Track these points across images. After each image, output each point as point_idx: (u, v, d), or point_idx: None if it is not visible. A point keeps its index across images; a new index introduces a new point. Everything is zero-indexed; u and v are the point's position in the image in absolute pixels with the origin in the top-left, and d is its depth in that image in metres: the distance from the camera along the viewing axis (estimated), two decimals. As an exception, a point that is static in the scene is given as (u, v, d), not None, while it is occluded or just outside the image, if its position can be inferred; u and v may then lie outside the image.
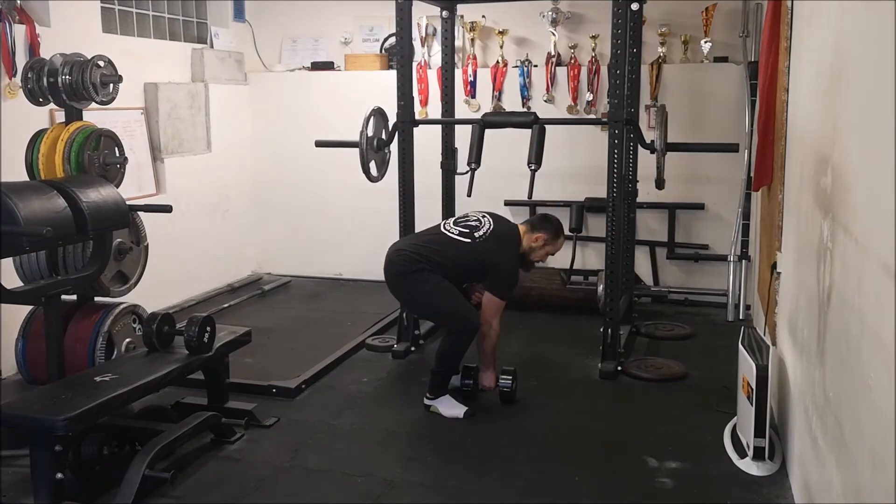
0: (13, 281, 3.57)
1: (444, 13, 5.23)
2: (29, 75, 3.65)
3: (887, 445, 1.61)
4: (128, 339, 3.80)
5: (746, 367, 3.26)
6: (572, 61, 5.91)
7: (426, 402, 3.85)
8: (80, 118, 3.75)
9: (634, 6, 4.58)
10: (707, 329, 5.20)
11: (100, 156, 3.69)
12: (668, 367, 4.38)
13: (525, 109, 5.91)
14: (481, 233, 3.91)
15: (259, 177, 6.71)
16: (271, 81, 6.61)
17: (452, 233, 3.94)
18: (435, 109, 5.77)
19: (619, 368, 4.33)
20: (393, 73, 4.86)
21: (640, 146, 4.66)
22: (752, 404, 3.15)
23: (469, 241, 3.88)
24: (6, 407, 2.91)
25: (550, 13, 5.85)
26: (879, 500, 1.66)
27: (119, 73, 3.79)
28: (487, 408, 3.94)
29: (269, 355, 4.71)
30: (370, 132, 4.60)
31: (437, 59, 5.84)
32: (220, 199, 6.28)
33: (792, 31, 3.52)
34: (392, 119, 4.76)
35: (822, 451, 2.39)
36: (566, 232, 5.77)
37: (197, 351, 3.48)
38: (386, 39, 6.40)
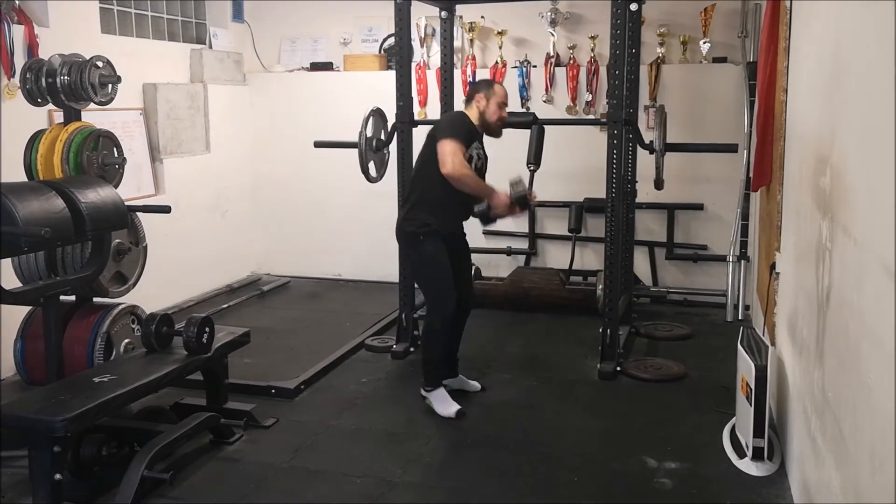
0: (12, 281, 3.56)
1: (443, 13, 5.22)
2: (27, 76, 3.64)
3: (886, 445, 1.61)
4: (126, 340, 3.80)
5: (745, 367, 3.27)
6: (571, 62, 5.92)
7: (423, 393, 3.89)
8: (79, 119, 3.75)
9: (633, 6, 4.58)
10: (706, 329, 5.20)
11: (98, 156, 3.69)
12: (668, 368, 4.38)
13: (524, 110, 5.90)
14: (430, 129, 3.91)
15: (258, 177, 6.70)
16: (270, 82, 6.61)
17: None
18: (434, 110, 5.77)
19: (619, 369, 4.33)
20: (392, 74, 4.86)
21: (639, 146, 4.67)
22: (751, 405, 3.15)
23: (425, 141, 3.86)
24: (5, 408, 2.90)
25: (549, 13, 5.86)
26: (879, 501, 1.66)
27: (118, 74, 3.78)
28: (486, 408, 3.94)
29: (268, 356, 4.71)
30: (369, 133, 4.60)
31: (436, 59, 5.84)
32: (219, 199, 6.28)
33: (791, 31, 3.52)
34: (391, 119, 4.76)
35: (821, 452, 2.39)
36: (565, 232, 5.86)
37: (196, 352, 3.47)
38: (385, 40, 6.40)
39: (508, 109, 5.95)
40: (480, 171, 3.84)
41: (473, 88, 4.00)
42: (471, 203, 3.86)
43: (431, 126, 3.93)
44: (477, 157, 3.84)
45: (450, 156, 3.66)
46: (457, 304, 3.81)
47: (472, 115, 3.90)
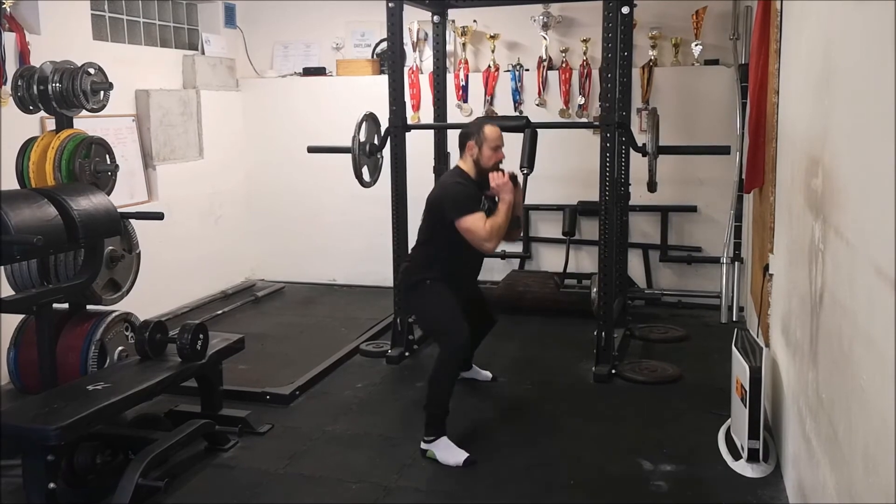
0: (4, 290, 3.55)
1: (436, 18, 5.23)
2: (19, 83, 3.63)
3: (880, 446, 1.61)
4: (120, 348, 3.78)
5: (740, 368, 3.27)
6: (564, 65, 5.93)
7: (423, 446, 3.46)
8: (71, 126, 3.74)
9: (625, 9, 4.59)
10: (701, 331, 5.21)
11: (91, 163, 3.68)
12: (663, 370, 4.39)
13: (517, 113, 5.92)
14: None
15: (252, 183, 6.70)
16: (263, 87, 6.61)
17: None
18: (427, 114, 5.78)
19: (614, 371, 4.34)
20: (385, 78, 4.86)
21: (632, 149, 4.67)
22: (745, 406, 3.16)
23: (426, 206, 3.77)
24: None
25: (541, 17, 5.87)
26: (873, 501, 1.66)
27: (110, 81, 3.78)
28: (482, 412, 3.94)
29: (262, 362, 4.70)
30: (362, 137, 4.60)
31: (428, 63, 5.85)
32: (212, 205, 6.27)
33: (782, 33, 3.53)
34: (384, 124, 4.76)
35: (815, 453, 2.39)
36: (559, 235, 5.86)
37: (190, 358, 3.46)
38: (378, 44, 6.41)
39: (501, 113, 6.00)
40: (493, 207, 3.68)
41: (464, 136, 3.72)
42: (478, 261, 3.84)
43: (431, 194, 3.75)
44: (491, 203, 3.69)
45: (479, 231, 3.51)
46: (468, 337, 3.56)
47: (467, 165, 3.69)
